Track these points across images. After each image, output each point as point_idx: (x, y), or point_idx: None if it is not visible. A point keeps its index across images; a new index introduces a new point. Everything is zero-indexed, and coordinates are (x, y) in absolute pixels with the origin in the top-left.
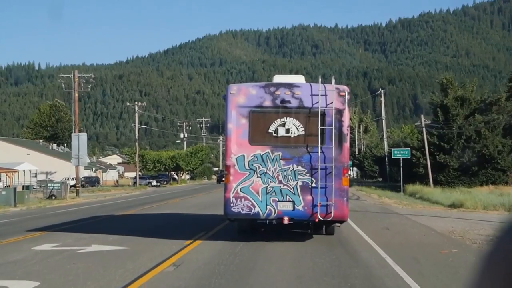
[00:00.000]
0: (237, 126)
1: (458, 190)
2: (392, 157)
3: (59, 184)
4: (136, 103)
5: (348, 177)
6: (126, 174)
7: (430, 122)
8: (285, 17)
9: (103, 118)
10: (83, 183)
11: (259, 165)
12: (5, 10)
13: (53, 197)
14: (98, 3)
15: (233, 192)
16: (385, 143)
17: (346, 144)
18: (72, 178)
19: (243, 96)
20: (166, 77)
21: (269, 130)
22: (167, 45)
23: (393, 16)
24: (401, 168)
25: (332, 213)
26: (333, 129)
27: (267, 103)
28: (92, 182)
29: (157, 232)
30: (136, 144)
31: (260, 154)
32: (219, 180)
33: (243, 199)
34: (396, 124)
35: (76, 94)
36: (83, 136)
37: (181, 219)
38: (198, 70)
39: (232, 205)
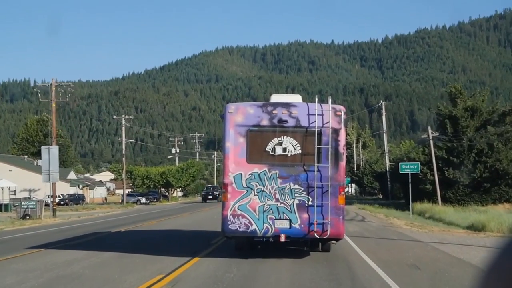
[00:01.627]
0: (235, 144)
1: (471, 208)
2: (400, 172)
3: (34, 203)
4: (123, 116)
5: (344, 196)
6: (117, 191)
7: (438, 134)
8: (281, 34)
9: (99, 135)
10: (67, 201)
11: (257, 183)
12: (0, 26)
13: (27, 217)
14: (94, 19)
15: (230, 210)
16: (387, 157)
17: (342, 163)
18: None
19: (241, 115)
20: (162, 93)
21: (267, 149)
22: (163, 62)
23: (389, 32)
24: (410, 185)
25: (328, 231)
26: (330, 148)
27: (265, 122)
28: (76, 200)
29: (95, 275)
30: (123, 159)
31: (257, 172)
32: (204, 199)
33: (240, 217)
34: (393, 140)
35: (53, 104)
36: (55, 150)
37: (146, 251)
38: (194, 86)
39: (229, 222)
